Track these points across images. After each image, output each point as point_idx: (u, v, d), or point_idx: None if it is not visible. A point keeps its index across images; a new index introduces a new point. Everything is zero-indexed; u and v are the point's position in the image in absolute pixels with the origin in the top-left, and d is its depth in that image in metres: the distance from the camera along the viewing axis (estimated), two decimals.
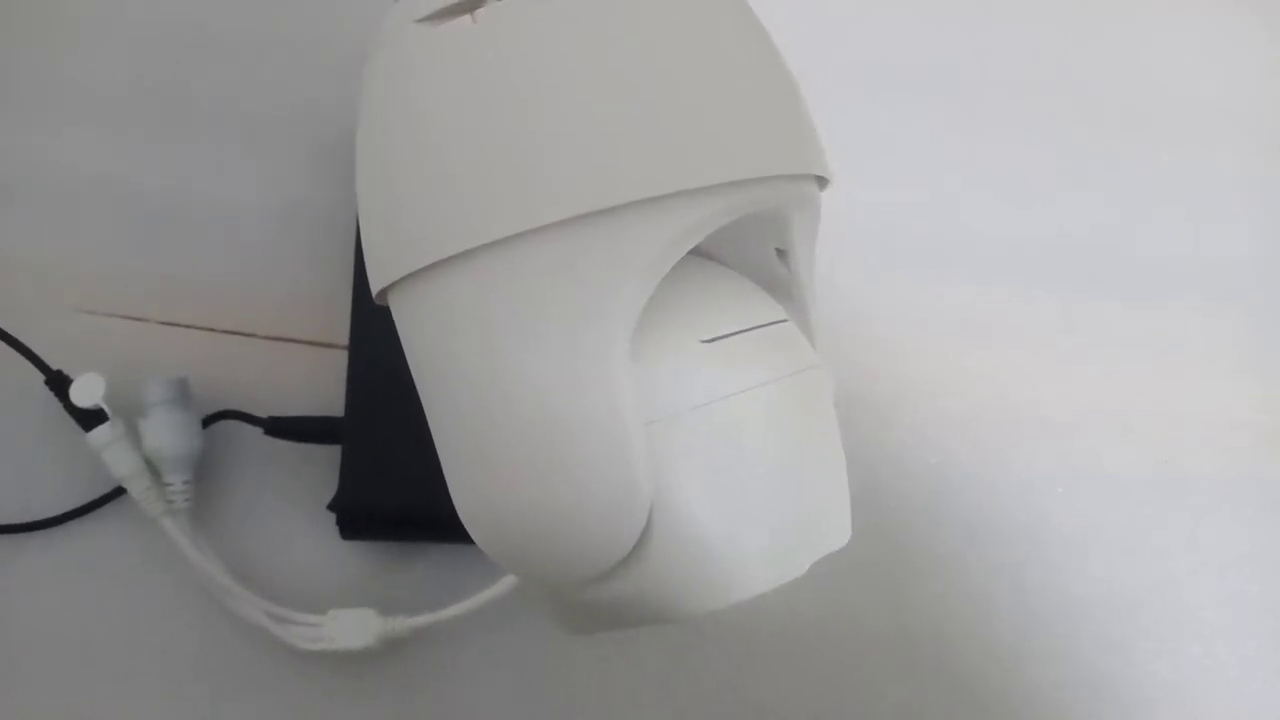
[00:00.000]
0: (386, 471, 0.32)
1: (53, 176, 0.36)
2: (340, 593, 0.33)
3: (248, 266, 0.36)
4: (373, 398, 0.32)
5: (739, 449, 0.20)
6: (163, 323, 0.35)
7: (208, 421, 0.33)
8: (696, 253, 0.22)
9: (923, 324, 0.39)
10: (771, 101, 0.21)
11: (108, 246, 0.36)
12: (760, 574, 0.21)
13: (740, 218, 0.20)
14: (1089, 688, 0.36)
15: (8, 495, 0.33)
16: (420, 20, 0.21)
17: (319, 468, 0.33)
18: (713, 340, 0.21)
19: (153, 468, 0.32)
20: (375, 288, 0.22)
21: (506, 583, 0.32)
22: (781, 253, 0.23)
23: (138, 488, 0.32)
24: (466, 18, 0.20)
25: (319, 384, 0.34)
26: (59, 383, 0.32)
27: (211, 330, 0.35)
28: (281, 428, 0.33)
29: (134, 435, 0.32)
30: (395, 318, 0.22)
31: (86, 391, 0.31)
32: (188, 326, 0.35)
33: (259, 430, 0.33)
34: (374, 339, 0.32)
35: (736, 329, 0.21)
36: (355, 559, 0.34)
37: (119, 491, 0.33)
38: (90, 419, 0.32)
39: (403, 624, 0.32)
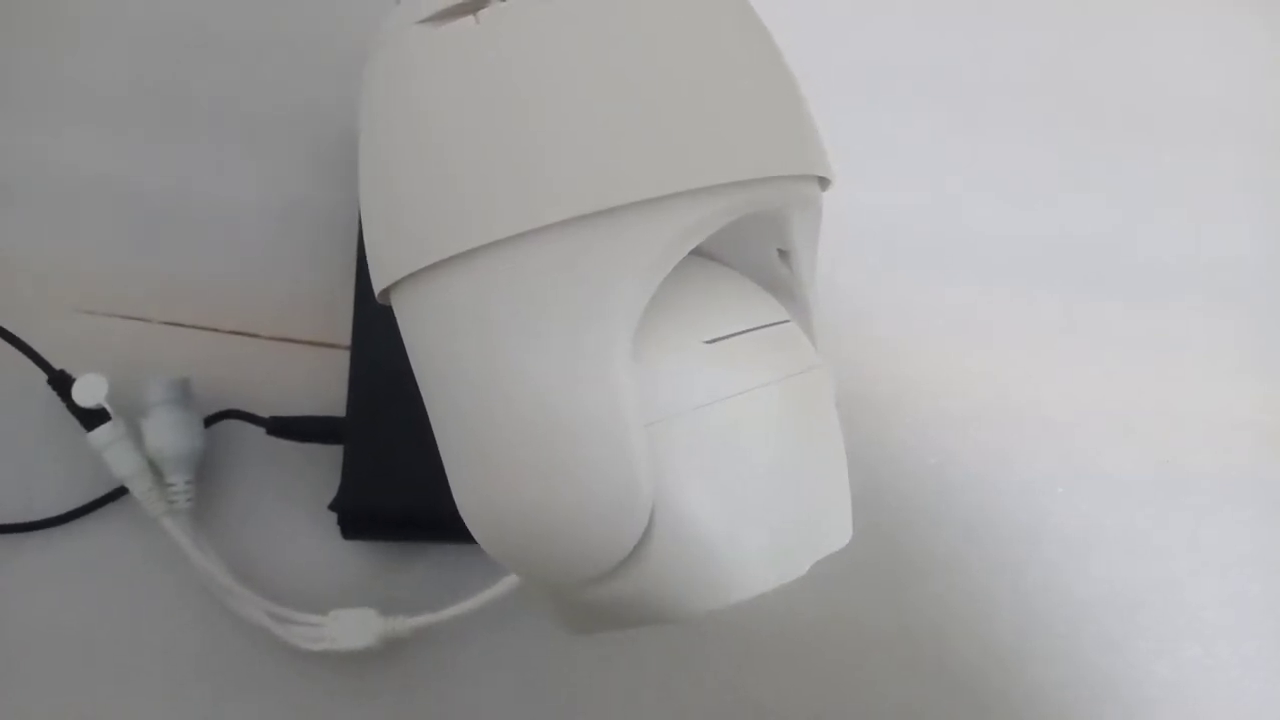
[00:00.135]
0: (388, 472, 0.32)
1: (54, 176, 0.36)
2: (341, 593, 0.33)
3: (249, 266, 0.36)
4: (374, 398, 0.32)
5: (740, 449, 0.20)
6: (164, 323, 0.35)
7: (209, 421, 0.33)
8: (698, 253, 0.22)
9: (924, 324, 0.39)
10: (773, 102, 0.21)
11: (109, 247, 0.36)
12: (761, 574, 0.21)
13: (741, 218, 0.20)
14: (1090, 688, 0.36)
15: (9, 495, 0.33)
16: (422, 21, 0.21)
17: (321, 468, 0.33)
18: (715, 341, 0.21)
19: (154, 467, 0.32)
20: (377, 287, 0.22)
21: (507, 583, 0.32)
22: (783, 253, 0.23)
23: (139, 487, 0.32)
24: (469, 18, 0.20)
25: (321, 384, 0.34)
26: (61, 382, 0.32)
27: (213, 330, 0.35)
28: (283, 428, 0.33)
29: (136, 435, 0.32)
30: (397, 317, 0.22)
31: (89, 391, 0.32)
32: (189, 326, 0.35)
33: (261, 430, 0.33)
34: (376, 339, 0.32)
35: (739, 329, 0.21)
36: (357, 559, 0.34)
37: (121, 491, 0.33)
38: (92, 419, 0.32)
39: (404, 624, 0.32)
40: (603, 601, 0.21)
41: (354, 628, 0.32)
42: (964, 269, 0.39)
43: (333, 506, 0.32)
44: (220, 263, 0.36)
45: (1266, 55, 0.44)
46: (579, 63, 0.20)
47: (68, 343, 0.33)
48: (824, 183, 0.23)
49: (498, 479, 0.21)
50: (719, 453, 0.20)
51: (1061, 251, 0.40)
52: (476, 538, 0.22)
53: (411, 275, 0.20)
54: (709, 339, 0.21)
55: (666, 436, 0.20)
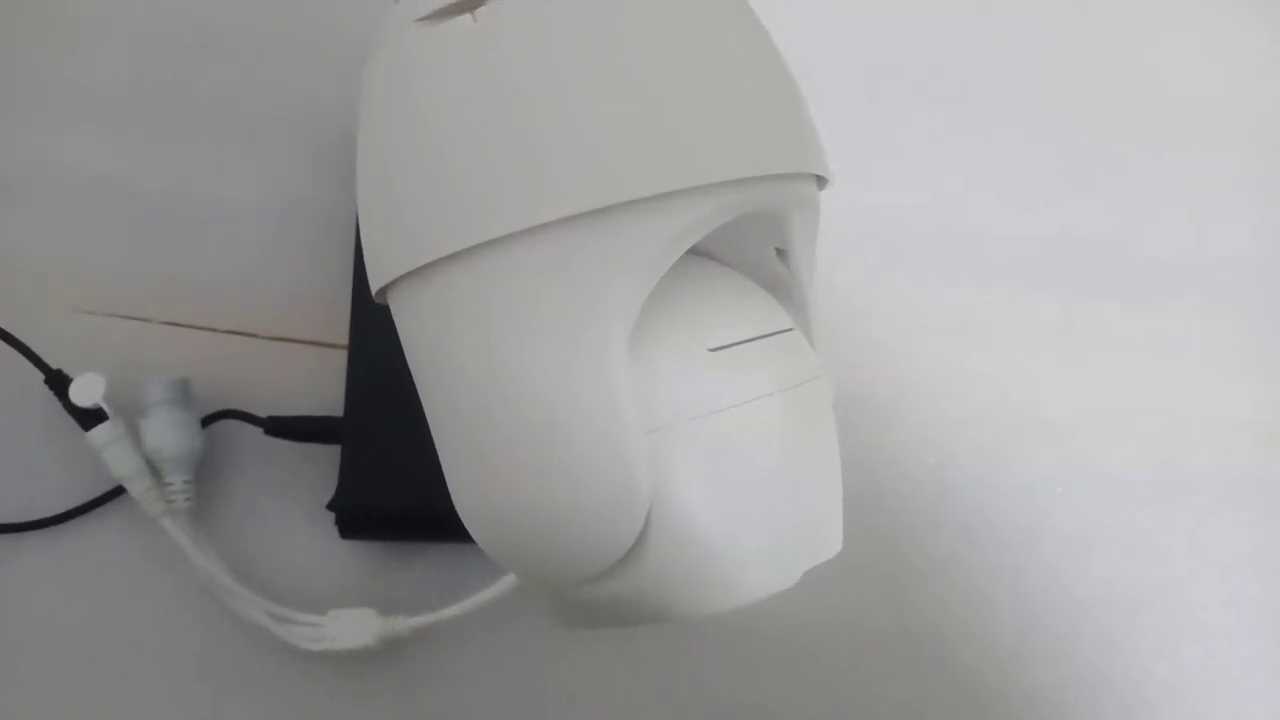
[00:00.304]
0: (386, 471, 0.32)
1: (53, 176, 0.36)
2: (340, 592, 0.33)
3: (248, 266, 0.36)
4: (372, 397, 0.32)
5: (740, 457, 0.20)
6: (163, 322, 0.35)
7: (208, 421, 0.33)
8: (697, 253, 0.22)
9: (923, 325, 0.39)
10: (771, 101, 0.21)
11: (108, 246, 0.36)
12: (756, 580, 0.21)
13: (740, 217, 0.20)
14: (1090, 688, 0.36)
15: (8, 494, 0.33)
16: (421, 20, 0.21)
17: (319, 467, 0.33)
18: (719, 349, 0.21)
19: (153, 467, 0.32)
20: (375, 286, 0.22)
21: (506, 583, 0.32)
22: (781, 253, 0.23)
23: (138, 487, 0.32)
24: (467, 17, 0.20)
25: (319, 384, 0.34)
26: (59, 382, 0.32)
27: (212, 330, 0.35)
28: (281, 427, 0.33)
29: (134, 435, 0.32)
30: (395, 316, 0.22)
31: (87, 391, 0.32)
32: (188, 326, 0.35)
33: (259, 430, 0.33)
34: (374, 339, 0.32)
35: (743, 338, 0.21)
36: (355, 559, 0.34)
37: (119, 491, 0.33)
38: (90, 418, 0.32)
39: (403, 624, 0.32)
40: (600, 600, 0.21)
41: (353, 627, 0.32)
42: (963, 269, 0.39)
43: (331, 506, 0.32)
44: (219, 263, 0.36)
45: (1266, 55, 0.44)
46: (577, 61, 0.20)
47: (67, 342, 0.33)
48: (822, 182, 0.23)
49: (495, 477, 0.21)
50: (719, 459, 0.20)
51: (1061, 251, 0.40)
52: (474, 536, 0.22)
53: (409, 274, 0.20)
54: (713, 346, 0.21)
55: (668, 442, 0.20)
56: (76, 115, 0.37)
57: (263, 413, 0.33)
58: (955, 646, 0.36)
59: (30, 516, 0.33)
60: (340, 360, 0.33)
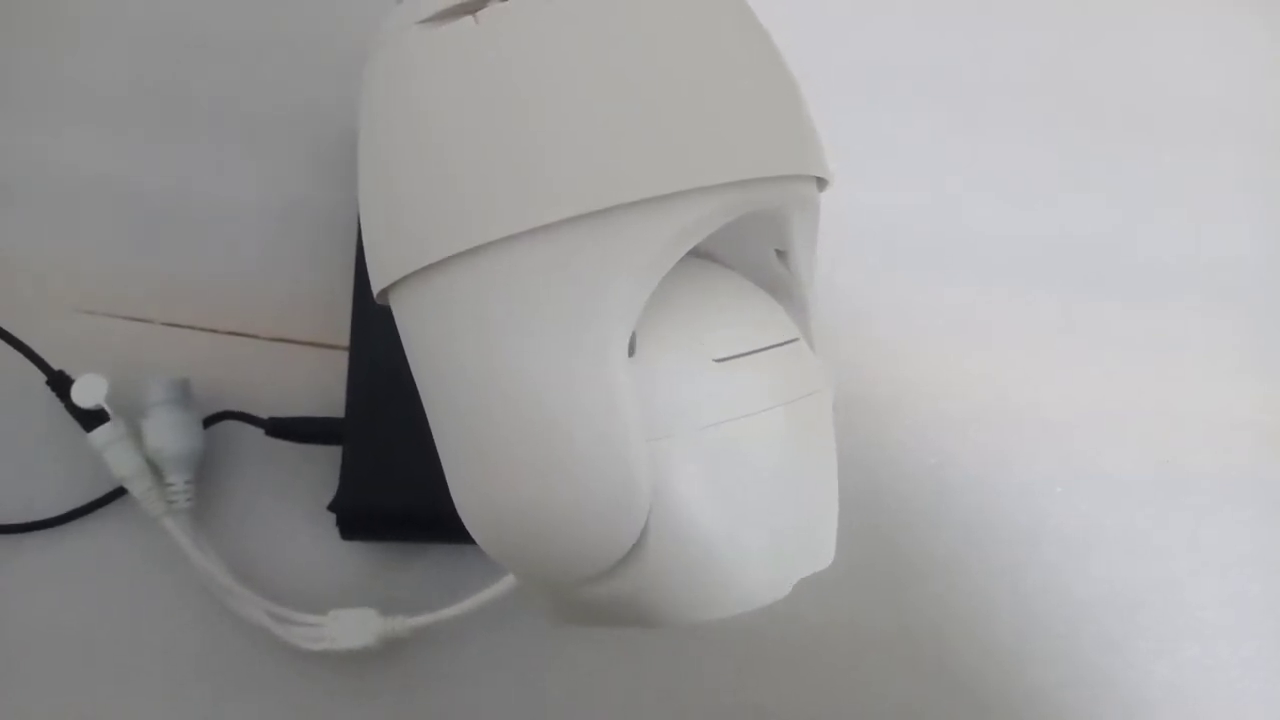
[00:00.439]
0: (387, 472, 0.32)
1: (53, 177, 0.36)
2: (341, 593, 0.33)
3: (248, 267, 0.36)
4: (373, 398, 0.32)
5: (742, 467, 0.20)
6: (164, 323, 0.35)
7: (209, 422, 0.33)
8: (697, 254, 0.22)
9: (923, 325, 0.39)
10: (771, 102, 0.21)
11: (109, 247, 0.36)
12: (751, 590, 0.21)
13: (740, 218, 0.20)
14: (1090, 688, 0.36)
15: (9, 495, 0.33)
16: (422, 21, 0.21)
17: (320, 468, 0.33)
18: (725, 360, 0.21)
19: (154, 468, 0.32)
20: (376, 287, 0.22)
21: (506, 583, 0.32)
22: (781, 253, 0.23)
23: (139, 488, 0.32)
24: (469, 19, 0.20)
25: (320, 385, 0.34)
26: (61, 383, 0.32)
27: (213, 331, 0.35)
28: (282, 428, 0.33)
29: (135, 435, 0.32)
30: (396, 317, 0.22)
31: (88, 392, 0.32)
32: (189, 327, 0.35)
33: (260, 431, 0.33)
34: (375, 340, 0.32)
35: (749, 348, 0.21)
36: (356, 559, 0.34)
37: (120, 491, 0.33)
38: (92, 419, 0.32)
39: (403, 624, 0.32)
40: (599, 600, 0.21)
41: (353, 627, 0.32)
42: (963, 269, 0.39)
43: (332, 507, 0.32)
44: (220, 263, 0.36)
45: (1266, 55, 0.44)
46: (578, 63, 0.20)
47: (67, 343, 0.33)
48: (822, 183, 0.23)
49: (495, 477, 0.21)
50: (721, 469, 0.20)
51: (1061, 252, 0.40)
52: (474, 536, 0.22)
53: (410, 275, 0.21)
54: (719, 357, 0.21)
55: (672, 450, 0.20)
56: (76, 115, 0.37)
57: (264, 414, 0.33)
58: (955, 646, 0.36)
59: (31, 517, 0.33)
60: (341, 361, 0.33)
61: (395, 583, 0.34)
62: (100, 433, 0.32)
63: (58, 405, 0.32)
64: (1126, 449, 0.38)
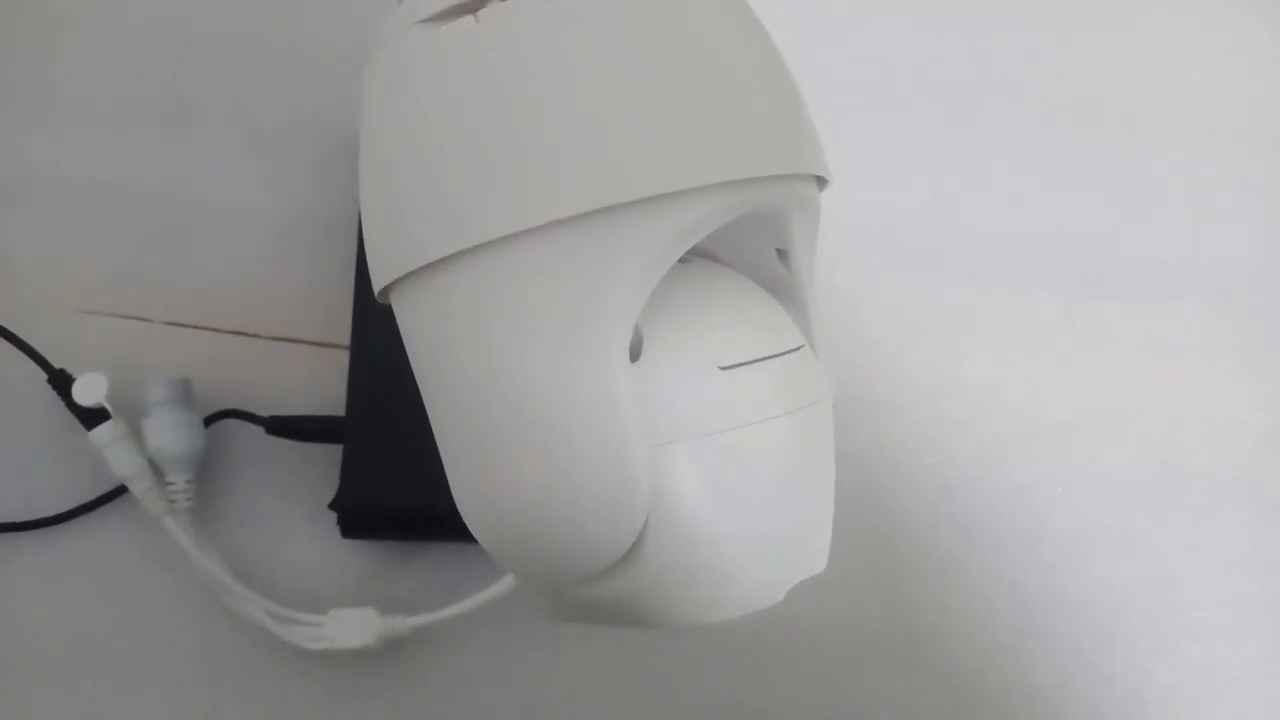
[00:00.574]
0: (387, 471, 0.32)
1: (55, 176, 0.36)
2: (341, 592, 0.34)
3: (250, 266, 0.36)
4: (374, 397, 0.32)
5: (743, 475, 0.21)
6: (165, 323, 0.35)
7: (209, 421, 0.33)
8: (697, 253, 0.22)
9: (923, 325, 0.39)
10: (771, 101, 0.22)
11: (110, 247, 0.36)
12: (746, 594, 0.21)
13: (740, 218, 0.20)
14: (1088, 688, 0.36)
15: (10, 494, 0.33)
16: (423, 21, 0.21)
17: (320, 467, 0.33)
18: (730, 368, 0.21)
19: (155, 467, 0.32)
20: (377, 286, 0.22)
21: (507, 582, 0.32)
22: (782, 253, 0.23)
23: (139, 487, 0.32)
24: (469, 18, 0.20)
25: (320, 384, 0.34)
26: (62, 382, 0.32)
27: (214, 330, 0.35)
28: (283, 427, 0.33)
29: (136, 435, 0.32)
30: (397, 316, 0.22)
31: (89, 391, 0.32)
32: (190, 326, 0.35)
33: (260, 430, 0.33)
34: (375, 339, 0.32)
35: (755, 356, 0.21)
36: (356, 558, 0.34)
37: (121, 490, 0.33)
38: (92, 418, 0.32)
39: (403, 623, 0.32)
40: (597, 599, 0.21)
41: (353, 627, 0.32)
42: (963, 269, 0.39)
43: (333, 506, 0.32)
44: (221, 262, 0.36)
45: (1266, 55, 0.44)
46: (578, 62, 0.20)
47: (68, 342, 0.33)
48: (822, 183, 0.23)
49: (496, 476, 0.21)
50: (723, 476, 0.20)
51: (1061, 252, 0.40)
52: (475, 535, 0.22)
53: (411, 274, 0.21)
54: (725, 365, 0.21)
55: (674, 457, 0.20)
56: (77, 115, 0.37)
57: (264, 413, 0.33)
58: (954, 646, 0.36)
59: (32, 515, 0.33)
60: (342, 360, 0.33)
61: (395, 582, 0.34)
62: (101, 431, 0.32)
63: (59, 404, 0.32)
64: (1126, 449, 0.38)
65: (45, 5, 0.38)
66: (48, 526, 0.33)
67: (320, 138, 0.37)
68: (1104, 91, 0.42)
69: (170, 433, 0.32)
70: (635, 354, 0.20)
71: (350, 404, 0.32)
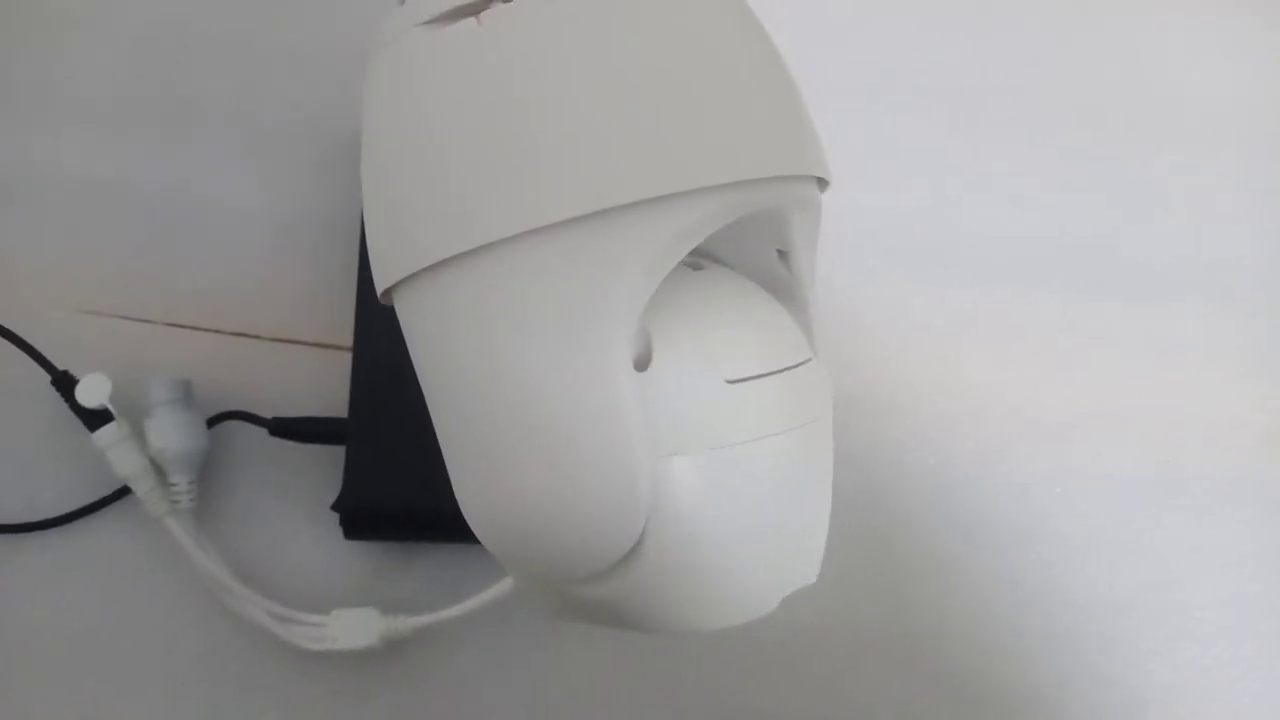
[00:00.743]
0: (390, 472, 0.32)
1: (55, 177, 0.36)
2: (343, 593, 0.34)
3: (252, 268, 0.36)
4: (376, 399, 0.32)
5: (744, 487, 0.21)
6: (168, 324, 0.35)
7: (212, 422, 0.33)
8: (698, 253, 0.22)
9: (923, 325, 0.39)
10: (771, 103, 0.22)
11: (112, 247, 0.36)
12: (742, 602, 0.21)
13: (741, 219, 0.20)
14: (1088, 688, 0.36)
15: (12, 494, 0.33)
16: (425, 23, 0.21)
17: (323, 468, 0.33)
18: (738, 381, 0.21)
19: (157, 468, 0.33)
20: (380, 287, 0.22)
21: (508, 583, 0.32)
22: (782, 254, 0.23)
23: (142, 487, 0.32)
24: (471, 20, 0.20)
25: (323, 385, 0.34)
26: (65, 383, 0.32)
27: (216, 331, 0.35)
28: (285, 428, 0.33)
29: (139, 435, 0.32)
30: (399, 317, 0.22)
31: (92, 391, 0.32)
32: (193, 328, 0.35)
33: (263, 431, 0.33)
34: (378, 340, 0.32)
35: (763, 370, 0.21)
36: (358, 559, 0.34)
37: (123, 491, 0.33)
38: (95, 419, 0.32)
39: (405, 624, 0.32)
40: (595, 601, 0.21)
41: (355, 627, 0.32)
42: (963, 270, 0.39)
43: (335, 507, 0.32)
44: (223, 264, 0.36)
45: (1266, 55, 0.44)
46: (579, 64, 0.20)
47: (71, 343, 0.33)
48: (822, 184, 0.23)
49: (498, 477, 0.21)
50: (724, 488, 0.20)
51: (1061, 252, 0.40)
52: (478, 535, 0.22)
53: (413, 275, 0.21)
54: (733, 379, 0.21)
55: (677, 468, 0.20)
56: (77, 115, 0.37)
57: (267, 414, 0.33)
58: (954, 647, 0.36)
59: (34, 516, 0.33)
60: (344, 361, 0.33)
61: (397, 582, 0.34)
62: (104, 432, 0.32)
63: (62, 405, 0.32)
64: (1126, 449, 0.38)
65: (45, 5, 0.38)
66: (50, 527, 0.33)
67: (320, 138, 0.37)
68: (1104, 92, 0.42)
69: (172, 433, 0.32)
70: (645, 362, 0.20)
71: (353, 405, 0.32)
